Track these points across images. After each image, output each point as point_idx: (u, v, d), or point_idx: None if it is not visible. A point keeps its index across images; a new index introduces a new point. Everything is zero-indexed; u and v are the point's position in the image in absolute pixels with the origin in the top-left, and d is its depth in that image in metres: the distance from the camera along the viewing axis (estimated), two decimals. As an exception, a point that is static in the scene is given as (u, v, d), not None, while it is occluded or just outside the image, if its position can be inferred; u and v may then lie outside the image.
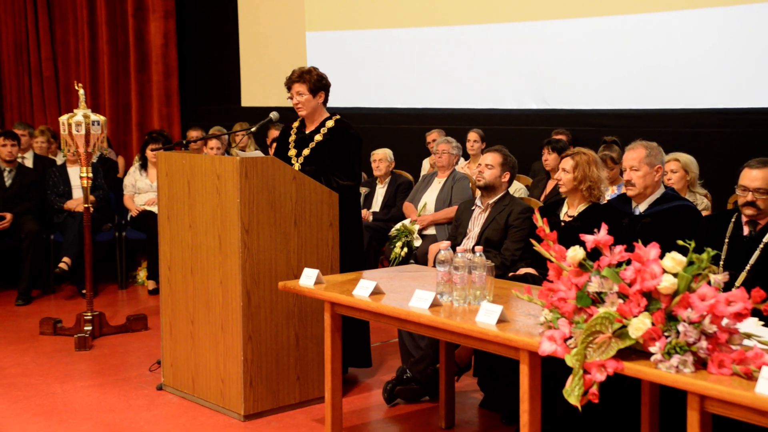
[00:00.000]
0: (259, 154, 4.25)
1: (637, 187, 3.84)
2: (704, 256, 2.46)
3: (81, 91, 5.41)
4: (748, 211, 3.42)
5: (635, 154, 3.85)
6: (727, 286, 2.49)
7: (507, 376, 3.64)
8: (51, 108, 10.14)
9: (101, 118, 5.39)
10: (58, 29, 10.17)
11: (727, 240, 3.49)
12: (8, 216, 6.58)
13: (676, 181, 5.08)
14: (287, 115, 4.68)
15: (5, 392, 4.46)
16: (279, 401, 4.11)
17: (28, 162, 7.35)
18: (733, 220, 3.52)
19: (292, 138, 4.59)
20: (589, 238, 2.66)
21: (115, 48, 9.87)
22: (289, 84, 4.46)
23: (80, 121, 5.27)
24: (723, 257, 3.45)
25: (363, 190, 6.73)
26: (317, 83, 4.43)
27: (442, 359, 3.95)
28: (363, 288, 3.41)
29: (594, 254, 2.65)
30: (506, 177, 4.63)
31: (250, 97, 9.65)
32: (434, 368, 4.13)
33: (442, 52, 8.16)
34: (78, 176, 6.19)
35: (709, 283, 2.45)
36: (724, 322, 2.40)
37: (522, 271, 4.18)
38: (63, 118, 5.34)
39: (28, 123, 8.93)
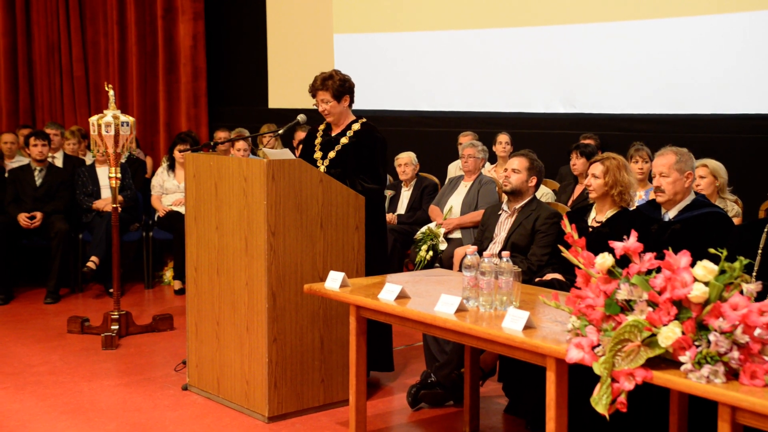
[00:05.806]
0: (287, 151, 4.25)
1: (667, 194, 3.79)
2: (736, 264, 2.42)
3: (110, 92, 5.46)
4: (780, 219, 3.37)
5: (665, 160, 3.80)
6: (761, 298, 2.44)
7: (532, 382, 3.61)
8: (81, 108, 10.24)
9: (130, 119, 5.43)
10: (89, 30, 10.26)
11: (760, 251, 3.43)
12: (38, 215, 6.66)
13: (705, 187, 5.01)
14: (314, 117, 4.69)
15: (33, 390, 4.51)
16: (303, 403, 4.12)
17: (58, 162, 7.43)
18: (765, 229, 3.46)
19: (318, 140, 4.58)
20: (618, 245, 2.63)
21: (144, 49, 9.96)
22: (313, 92, 4.45)
23: (109, 122, 5.32)
24: (756, 267, 3.39)
25: (388, 193, 6.71)
26: (340, 88, 4.42)
27: (467, 364, 3.93)
28: (388, 292, 3.40)
29: (623, 261, 2.62)
30: (533, 182, 4.59)
31: (277, 99, 9.69)
32: (459, 373, 4.10)
33: (469, 55, 8.14)
34: (107, 176, 6.26)
35: (741, 292, 2.41)
36: (757, 332, 2.36)
37: (549, 276, 4.14)
38: (92, 119, 5.39)
39: (58, 123, 9.02)
